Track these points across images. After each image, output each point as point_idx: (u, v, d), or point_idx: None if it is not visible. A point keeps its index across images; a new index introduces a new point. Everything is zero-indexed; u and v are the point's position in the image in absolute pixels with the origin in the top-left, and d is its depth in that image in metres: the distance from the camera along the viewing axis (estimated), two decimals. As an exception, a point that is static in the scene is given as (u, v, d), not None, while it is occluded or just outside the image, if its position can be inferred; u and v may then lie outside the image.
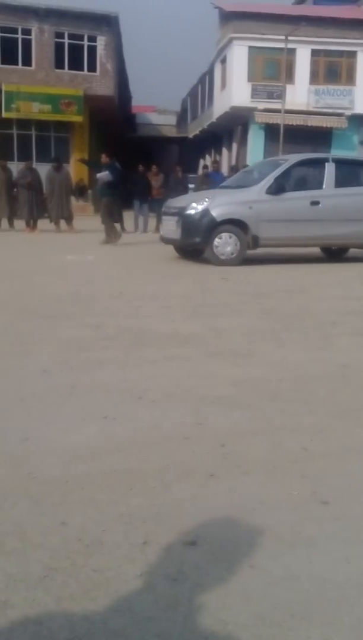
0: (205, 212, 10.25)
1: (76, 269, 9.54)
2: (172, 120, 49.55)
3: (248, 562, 2.06)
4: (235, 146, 32.81)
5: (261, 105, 29.00)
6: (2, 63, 26.45)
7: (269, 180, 10.49)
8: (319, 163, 11.06)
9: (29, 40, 26.81)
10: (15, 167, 22.56)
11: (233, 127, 32.43)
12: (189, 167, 27.01)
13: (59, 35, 27.04)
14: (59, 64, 27.20)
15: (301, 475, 2.68)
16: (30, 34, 26.78)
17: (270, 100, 28.94)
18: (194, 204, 10.48)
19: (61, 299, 6.78)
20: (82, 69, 27.43)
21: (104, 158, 14.49)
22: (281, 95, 27.94)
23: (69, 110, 27.13)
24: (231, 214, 10.29)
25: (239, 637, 1.73)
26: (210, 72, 35.26)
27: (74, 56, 27.21)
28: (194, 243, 10.48)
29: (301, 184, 10.86)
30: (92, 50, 27.49)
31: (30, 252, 11.82)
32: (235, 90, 29.23)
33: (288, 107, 28.04)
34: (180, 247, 11.21)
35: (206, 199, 10.56)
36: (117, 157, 18.67)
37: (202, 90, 38.66)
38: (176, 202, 11.28)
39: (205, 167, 20.29)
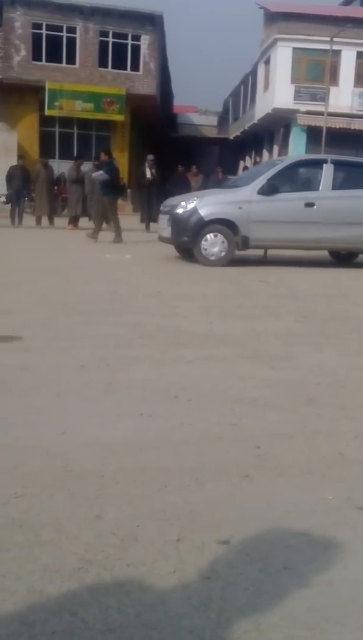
0: (194, 211, 10.20)
1: (114, 267, 9.61)
2: (213, 120, 49.54)
3: (282, 564, 2.06)
4: (276, 148, 32.67)
5: (304, 107, 28.83)
6: (47, 61, 26.73)
7: (261, 180, 10.34)
8: (317, 164, 10.82)
9: (74, 39, 27.07)
10: (57, 165, 22.83)
11: (274, 129, 32.29)
12: (230, 169, 26.99)
13: (104, 33, 27.24)
14: (102, 63, 27.40)
15: (337, 480, 2.67)
16: (75, 32, 27.03)
17: (313, 103, 28.75)
18: (183, 203, 10.48)
19: (99, 297, 6.84)
20: (125, 68, 27.60)
21: (102, 156, 14.52)
22: (324, 98, 27.75)
23: (111, 109, 27.31)
24: (220, 213, 10.21)
25: (271, 637, 1.74)
26: (253, 73, 35.16)
27: (117, 55, 27.39)
28: (183, 242, 10.45)
29: (297, 185, 10.68)
30: (135, 49, 27.65)
31: (70, 249, 11.93)
32: (278, 92, 29.11)
33: (331, 109, 27.82)
34: (176, 247, 11.12)
35: (196, 198, 10.54)
36: (158, 155, 18.77)
37: (244, 91, 38.57)
38: (171, 201, 11.21)
39: (245, 168, 20.29)
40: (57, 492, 2.47)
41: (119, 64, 27.54)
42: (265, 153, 34.99)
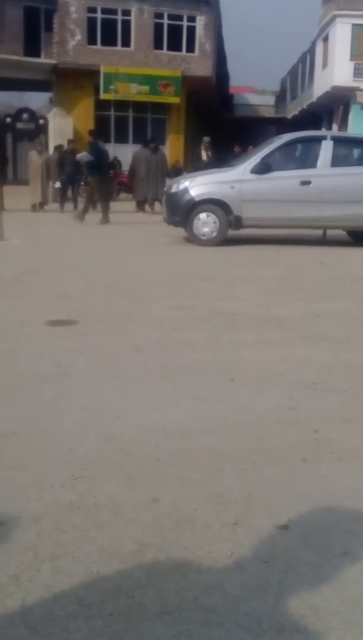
0: (185, 192, 10.12)
1: (168, 251, 9.60)
2: (270, 100, 48.84)
3: (340, 549, 2.02)
4: (335, 127, 31.97)
5: (364, 84, 28.08)
6: (102, 44, 26.75)
7: (255, 159, 10.08)
8: (315, 141, 10.39)
9: (129, 21, 26.97)
10: (113, 149, 22.89)
11: (333, 107, 31.59)
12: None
13: (158, 15, 27.05)
14: (157, 45, 27.25)
15: (398, 466, 2.61)
16: (129, 15, 26.92)
17: (373, 80, 27.98)
18: (176, 183, 10.43)
19: (154, 280, 6.85)
20: (180, 50, 27.38)
21: (88, 138, 14.48)
22: (384, 75, 26.97)
23: (167, 92, 27.18)
24: (210, 193, 10.05)
25: (330, 623, 1.71)
26: (311, 51, 34.43)
27: (172, 37, 27.18)
28: (176, 222, 10.36)
29: (293, 163, 10.36)
30: (191, 31, 27.38)
31: (125, 233, 11.97)
32: (337, 70, 28.41)
33: (391, 86, 27.04)
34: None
35: (189, 178, 10.44)
36: (213, 137, 18.61)
37: (302, 69, 37.83)
38: (172, 181, 11.15)
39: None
40: (113, 474, 2.49)
41: (175, 45, 27.33)
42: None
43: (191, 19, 27.30)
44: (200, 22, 27.37)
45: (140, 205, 17.22)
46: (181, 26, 27.29)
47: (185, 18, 27.24)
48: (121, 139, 27.44)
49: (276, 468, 2.56)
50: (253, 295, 6.07)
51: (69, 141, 18.63)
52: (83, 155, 14.03)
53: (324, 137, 10.40)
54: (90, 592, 1.81)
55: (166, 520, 2.18)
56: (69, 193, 17.59)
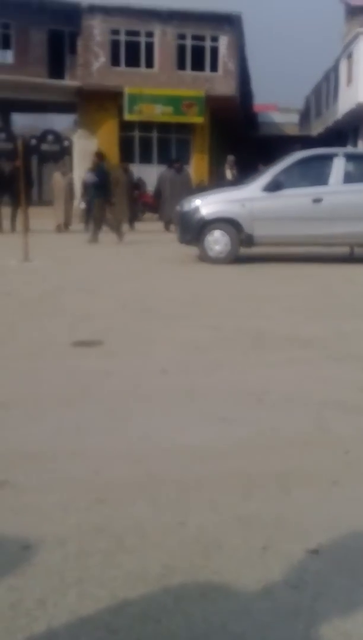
0: (196, 210, 10.19)
1: (192, 270, 9.60)
2: (294, 118, 48.92)
3: (373, 575, 1.97)
4: (361, 144, 31.92)
5: (389, 101, 28.02)
6: (125, 66, 27.08)
7: (267, 177, 10.11)
8: (327, 158, 10.34)
9: (152, 43, 27.30)
10: (137, 169, 23.07)
11: (358, 124, 31.53)
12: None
13: (181, 36, 27.34)
14: (181, 65, 27.52)
15: None
16: (153, 36, 27.25)
17: (398, 96, 27.90)
18: (187, 202, 10.50)
19: (179, 300, 6.84)
20: (204, 70, 27.61)
21: (94, 158, 14.78)
22: None
23: (191, 112, 27.38)
24: (221, 212, 10.10)
25: (363, 653, 1.66)
26: (335, 69, 34.49)
27: (196, 57, 27.42)
28: (188, 240, 10.40)
29: (305, 181, 10.27)
30: (214, 51, 27.62)
31: (149, 253, 12.01)
32: (362, 86, 28.42)
33: None
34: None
35: (201, 197, 10.51)
36: (238, 156, 18.66)
37: (327, 87, 37.88)
38: (184, 200, 11.23)
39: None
40: (139, 497, 2.46)
41: (198, 65, 27.57)
42: (349, 149, 34.24)
43: (214, 38, 27.54)
44: (223, 42, 27.59)
45: (167, 225, 17.31)
46: (204, 46, 27.54)
47: (208, 38, 27.49)
48: (146, 159, 27.66)
49: (305, 491, 2.51)
50: (280, 314, 6.03)
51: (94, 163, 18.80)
52: (88, 177, 14.20)
53: (336, 154, 10.37)
54: (117, 617, 1.78)
55: (193, 544, 2.15)
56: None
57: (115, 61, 26.97)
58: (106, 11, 26.44)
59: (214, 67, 27.72)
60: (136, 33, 27.05)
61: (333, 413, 3.39)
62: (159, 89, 27.00)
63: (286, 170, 10.17)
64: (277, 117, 48.13)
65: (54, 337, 5.09)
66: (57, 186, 17.29)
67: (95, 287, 7.77)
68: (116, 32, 26.86)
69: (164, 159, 26.22)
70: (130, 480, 2.60)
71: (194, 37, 27.37)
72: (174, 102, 27.20)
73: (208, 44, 27.54)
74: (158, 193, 17.57)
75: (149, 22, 27.04)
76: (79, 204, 17.77)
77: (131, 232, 17.21)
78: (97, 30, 26.70)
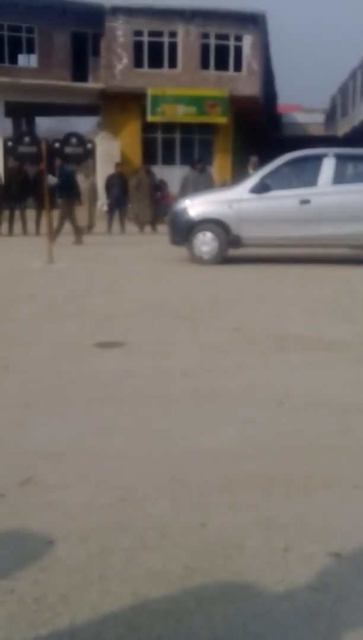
0: (184, 211, 10.32)
1: (215, 272, 9.61)
2: (319, 118, 48.66)
3: (394, 579, 1.98)
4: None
5: None
6: (148, 67, 27.13)
7: (254, 178, 10.17)
8: (318, 159, 10.25)
9: (175, 43, 27.30)
10: (159, 171, 23.11)
11: (385, 123, 31.36)
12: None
13: (205, 36, 27.30)
14: (204, 65, 27.48)
15: None
16: (176, 37, 27.26)
17: None
18: (178, 203, 10.64)
19: (200, 302, 6.86)
20: (227, 69, 27.56)
21: (58, 162, 15.24)
22: None
23: (214, 112, 27.37)
24: (209, 213, 10.17)
25: (383, 655, 1.67)
26: (362, 67, 34.28)
27: (219, 56, 27.38)
28: (177, 241, 10.51)
29: (294, 182, 10.26)
30: (238, 50, 27.55)
31: (171, 255, 12.02)
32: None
33: None
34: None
35: (190, 198, 10.66)
36: (261, 157, 18.59)
37: (353, 86, 37.63)
38: (176, 202, 11.39)
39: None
40: (161, 497, 2.49)
41: (222, 65, 27.53)
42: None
43: (238, 38, 27.47)
44: (247, 41, 27.51)
45: None
46: (228, 46, 27.48)
47: (232, 37, 27.43)
48: (168, 160, 27.70)
49: (327, 494, 2.52)
50: (301, 317, 6.02)
51: (117, 164, 18.93)
52: (50, 179, 14.49)
53: (326, 155, 10.29)
54: (138, 615, 1.81)
55: (214, 545, 2.16)
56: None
57: (138, 62, 27.04)
58: (129, 12, 26.51)
59: (238, 67, 27.64)
60: (159, 33, 27.07)
61: (356, 416, 3.38)
62: (182, 89, 27.01)
63: (275, 172, 10.21)
64: (301, 118, 47.91)
65: (77, 338, 5.14)
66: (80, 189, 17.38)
67: (118, 288, 7.82)
68: (139, 33, 26.92)
69: (186, 160, 26.17)
70: (152, 481, 2.63)
71: (218, 37, 27.31)
72: (198, 102, 27.19)
73: (231, 43, 27.45)
74: (182, 194, 17.61)
75: (173, 22, 27.03)
76: (101, 206, 17.87)
77: (154, 234, 17.28)
78: (120, 31, 26.79)
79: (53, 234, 13.82)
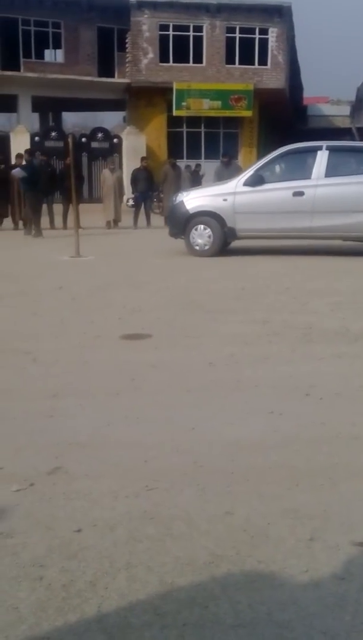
0: (181, 204, 10.55)
1: (239, 264, 9.60)
2: (345, 110, 48.13)
3: None
4: None
5: None
6: (174, 62, 27.09)
7: (249, 171, 10.35)
8: (311, 152, 10.31)
9: (201, 37, 27.25)
10: (185, 165, 23.09)
11: None
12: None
13: (230, 30, 27.21)
14: (229, 59, 27.40)
15: None
16: (201, 31, 27.20)
17: None
18: (176, 197, 10.90)
19: (225, 294, 6.86)
20: (252, 63, 27.45)
21: (24, 155, 15.58)
22: None
23: (239, 106, 27.28)
24: (204, 206, 10.36)
25: None
26: (387, 59, 33.85)
27: (245, 50, 27.27)
28: (175, 233, 10.73)
29: (287, 174, 10.39)
30: (263, 43, 27.41)
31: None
32: None
33: None
34: None
35: (187, 192, 10.92)
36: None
37: (379, 77, 37.17)
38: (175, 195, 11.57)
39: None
40: (187, 486, 2.51)
41: (247, 59, 27.42)
42: None
43: (264, 31, 27.33)
44: (273, 34, 27.36)
45: None
46: (253, 39, 27.36)
47: (257, 31, 27.30)
48: (193, 154, 27.67)
49: (353, 484, 2.52)
50: (328, 309, 6.00)
51: (142, 159, 18.94)
52: (17, 172, 14.98)
53: (320, 148, 10.33)
54: (165, 602, 1.83)
55: (239, 533, 2.18)
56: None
57: (164, 57, 27.04)
58: (155, 7, 26.50)
59: (263, 60, 27.51)
60: (184, 28, 27.04)
61: (382, 408, 3.37)
62: (207, 83, 26.96)
63: (269, 165, 10.40)
64: (327, 110, 47.43)
65: (104, 331, 5.18)
66: (106, 183, 17.44)
67: (143, 281, 7.84)
68: (164, 27, 26.91)
69: (212, 153, 26.17)
70: (178, 470, 2.65)
71: (243, 30, 27.21)
72: (223, 96, 27.13)
73: (257, 36, 27.33)
74: None
75: (198, 17, 26.98)
76: (127, 201, 17.91)
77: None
78: (146, 26, 26.81)
79: (28, 226, 14.61)
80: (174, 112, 27.26)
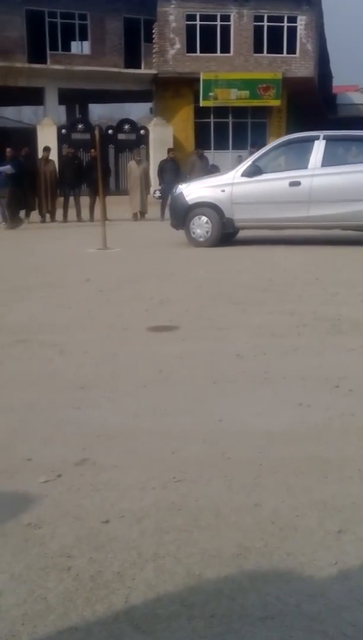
0: (181, 196, 10.74)
1: (266, 255, 9.54)
2: (377, 98, 47.48)
3: None
4: None
5: None
6: (201, 52, 26.94)
7: (247, 162, 10.47)
8: (308, 142, 10.31)
9: (228, 27, 27.05)
10: (212, 156, 23.02)
11: None
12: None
13: (258, 18, 26.97)
14: (257, 48, 27.17)
15: None
16: (229, 20, 27.00)
17: None
18: (177, 188, 11.12)
19: (254, 285, 6.82)
20: (281, 52, 27.19)
21: (9, 153, 15.82)
22: None
23: (267, 95, 27.07)
24: (202, 197, 10.50)
25: None
26: None
27: (273, 39, 27.02)
28: (176, 224, 10.95)
29: (285, 165, 10.50)
30: (292, 31, 27.13)
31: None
32: None
33: None
34: None
35: (186, 183, 11.13)
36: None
37: None
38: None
39: None
40: (214, 478, 2.50)
41: (275, 47, 27.16)
42: None
43: (292, 19, 27.04)
44: (301, 22, 27.06)
45: None
46: (281, 27, 27.09)
47: (285, 19, 27.02)
48: (221, 145, 27.56)
49: (381, 476, 2.49)
50: (358, 300, 5.93)
51: (169, 150, 18.91)
52: (7, 168, 15.44)
53: (317, 137, 10.33)
54: (192, 593, 1.82)
55: (268, 525, 2.16)
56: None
57: (191, 47, 26.91)
58: (182, -3, 26.37)
59: (291, 49, 27.23)
60: (212, 17, 26.86)
61: None
62: (235, 73, 26.76)
63: (267, 155, 10.48)
64: (357, 98, 46.80)
65: (131, 322, 5.18)
66: (133, 175, 17.46)
67: (169, 272, 7.84)
68: (191, 17, 26.76)
69: (239, 144, 26.02)
70: (206, 461, 2.64)
71: (271, 19, 26.95)
72: (251, 85, 26.92)
73: (285, 24, 27.04)
74: None
75: (225, 6, 26.77)
76: (153, 193, 17.88)
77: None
78: (172, 16, 26.69)
79: (12, 220, 15.13)
80: (202, 103, 27.12)
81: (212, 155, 23.85)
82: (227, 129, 28.33)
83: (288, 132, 27.95)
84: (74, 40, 28.44)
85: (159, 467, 2.60)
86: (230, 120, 28.25)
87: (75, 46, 28.92)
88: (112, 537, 2.11)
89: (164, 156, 18.58)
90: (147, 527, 2.16)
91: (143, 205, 17.17)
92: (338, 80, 46.12)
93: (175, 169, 17.61)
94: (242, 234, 11.31)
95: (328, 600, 1.79)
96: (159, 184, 17.74)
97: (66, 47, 28.20)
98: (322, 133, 10.56)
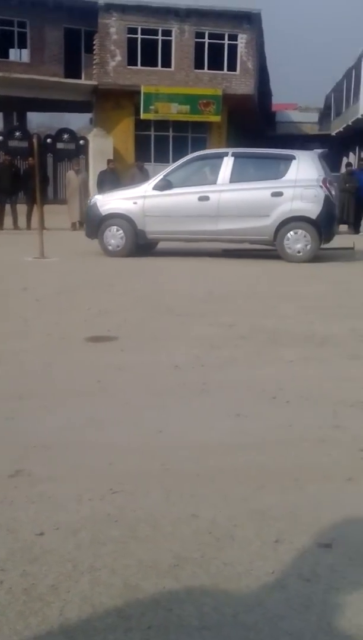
0: (95, 206, 10.95)
1: (211, 267, 9.61)
2: (314, 117, 48.67)
3: (385, 570, 1.97)
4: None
5: None
6: (142, 65, 27.02)
7: (159, 176, 10.74)
8: (218, 158, 10.78)
9: (169, 42, 27.20)
10: (152, 168, 23.07)
11: (380, 123, 31.36)
12: (331, 166, 26.42)
13: (200, 35, 27.22)
14: (198, 64, 27.41)
15: None
16: (170, 35, 27.16)
17: None
18: (92, 198, 11.47)
19: (193, 297, 6.85)
20: (221, 68, 27.50)
21: None
22: None
23: (207, 110, 27.32)
24: (115, 208, 10.73)
25: (374, 645, 1.66)
26: (357, 67, 34.20)
27: (213, 55, 27.30)
28: (90, 234, 11.12)
29: (195, 180, 10.79)
30: (232, 49, 27.49)
31: (163, 250, 12.03)
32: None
33: None
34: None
35: (101, 194, 11.53)
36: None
37: (347, 85, 37.57)
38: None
39: (349, 164, 19.86)
40: (152, 489, 2.47)
41: (216, 64, 27.46)
42: (369, 149, 34.02)
43: (233, 37, 27.39)
44: (242, 40, 27.43)
45: None
46: (222, 44, 27.39)
47: (226, 36, 27.33)
48: (161, 158, 27.62)
49: (319, 486, 2.51)
50: (296, 313, 6.02)
51: (109, 161, 18.88)
52: None
53: (226, 154, 10.74)
54: (129, 605, 1.80)
55: (205, 535, 2.15)
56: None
57: (132, 60, 26.93)
58: (123, 9, 26.37)
59: (232, 66, 27.58)
60: (153, 32, 26.96)
61: (349, 411, 3.38)
62: (176, 87, 26.93)
63: (178, 170, 10.76)
64: (296, 116, 47.91)
65: (70, 332, 5.12)
66: (71, 185, 17.37)
67: (108, 283, 7.79)
68: (133, 30, 26.80)
69: (180, 157, 26.09)
70: (143, 473, 2.62)
71: (212, 36, 27.23)
72: (191, 100, 27.11)
73: (226, 42, 27.39)
74: None
75: (167, 21, 26.92)
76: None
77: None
78: (113, 29, 26.66)
79: None
80: (142, 116, 27.16)
81: (153, 168, 23.86)
82: (168, 143, 28.45)
83: (228, 147, 28.37)
84: (13, 47, 28.09)
85: (96, 478, 2.56)
86: (171, 134, 28.38)
87: (13, 53, 28.55)
88: (47, 550, 2.06)
89: (104, 167, 18.54)
90: (83, 539, 2.12)
91: (81, 214, 17.05)
92: (278, 98, 47.13)
93: (115, 180, 17.57)
94: (164, 245, 11.43)
95: (266, 609, 1.79)
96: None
97: (4, 54, 27.82)
98: (230, 150, 10.96)
